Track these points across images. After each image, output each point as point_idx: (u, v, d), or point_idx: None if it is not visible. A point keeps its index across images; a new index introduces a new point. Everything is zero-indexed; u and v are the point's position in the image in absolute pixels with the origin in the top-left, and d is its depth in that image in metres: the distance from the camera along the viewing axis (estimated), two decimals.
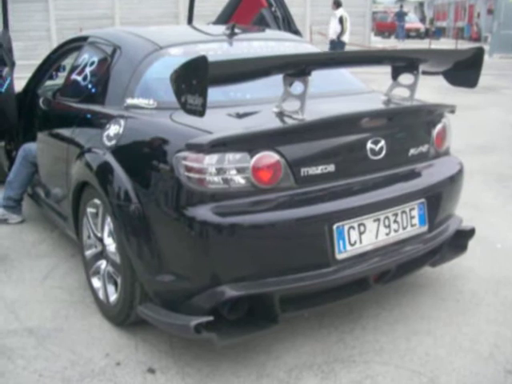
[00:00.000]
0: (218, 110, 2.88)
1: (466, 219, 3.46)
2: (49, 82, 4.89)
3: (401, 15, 32.69)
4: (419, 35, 34.39)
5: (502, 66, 17.66)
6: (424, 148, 3.16)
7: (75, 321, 3.20)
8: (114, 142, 3.02)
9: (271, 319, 2.66)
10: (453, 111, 3.32)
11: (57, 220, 4.03)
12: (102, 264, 3.20)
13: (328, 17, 20.62)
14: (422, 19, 43.34)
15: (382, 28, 37.49)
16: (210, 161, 2.53)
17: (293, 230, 2.63)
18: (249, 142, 2.59)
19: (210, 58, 2.34)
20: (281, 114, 2.83)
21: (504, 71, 16.39)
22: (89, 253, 3.34)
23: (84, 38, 4.08)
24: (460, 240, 3.39)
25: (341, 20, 13.81)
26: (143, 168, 2.81)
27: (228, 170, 2.55)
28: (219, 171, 2.54)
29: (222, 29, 3.91)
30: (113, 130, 3.07)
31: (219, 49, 3.54)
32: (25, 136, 4.85)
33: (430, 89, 8.44)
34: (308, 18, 20.65)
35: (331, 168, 2.75)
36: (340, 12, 14.04)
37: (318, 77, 2.81)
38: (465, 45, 21.64)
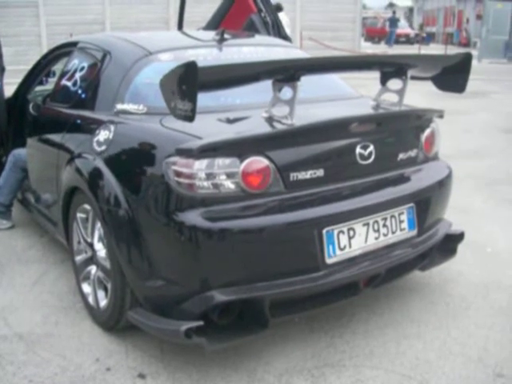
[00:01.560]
0: (208, 115, 2.89)
1: (456, 223, 3.47)
2: (39, 88, 4.88)
3: (393, 21, 32.89)
4: (409, 41, 34.58)
5: (491, 71, 17.76)
6: (413, 153, 3.18)
7: (65, 326, 3.19)
8: (104, 148, 3.02)
9: (261, 324, 2.66)
10: (441, 116, 3.34)
11: (47, 225, 4.02)
12: (92, 269, 3.20)
13: (319, 22, 20.81)
14: (410, 25, 43.60)
15: (372, 33, 37.67)
16: (200, 166, 2.54)
17: (282, 235, 2.63)
18: (238, 147, 2.59)
19: (200, 64, 2.35)
20: (270, 119, 2.84)
21: (493, 76, 16.49)
22: (79, 258, 3.34)
23: (74, 44, 4.08)
24: (449, 244, 3.40)
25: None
26: (133, 173, 2.81)
27: (218, 175, 2.56)
28: (209, 176, 2.55)
29: (211, 34, 3.92)
30: (103, 135, 3.07)
31: (209, 54, 3.55)
32: (15, 141, 4.83)
33: (419, 94, 8.48)
34: (298, 23, 20.71)
35: (320, 173, 2.76)
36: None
37: (307, 82, 2.82)
38: (454, 50, 21.75)
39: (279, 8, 13.98)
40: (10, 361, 2.88)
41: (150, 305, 2.77)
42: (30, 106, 4.30)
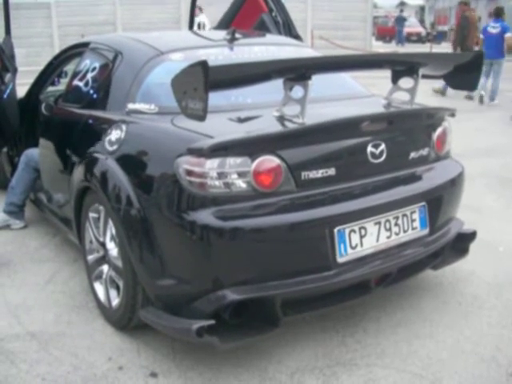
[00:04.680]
0: (219, 115, 2.89)
1: (468, 222, 3.46)
2: (51, 88, 4.91)
3: (400, 20, 32.86)
4: (420, 39, 34.44)
5: (504, 69, 17.62)
6: (424, 151, 3.17)
7: (78, 325, 3.21)
8: (115, 147, 3.03)
9: (273, 323, 2.66)
10: (453, 114, 3.33)
11: (59, 225, 4.04)
12: (105, 268, 3.21)
13: (330, 21, 20.78)
14: (421, 23, 43.35)
15: (383, 32, 37.50)
16: (211, 165, 2.54)
17: (294, 234, 2.63)
18: (250, 146, 2.60)
19: (211, 63, 2.36)
20: (281, 118, 2.84)
21: (506, 74, 16.32)
22: (91, 257, 3.35)
23: (86, 44, 4.11)
24: (461, 243, 3.39)
25: (198, 26, 13.89)
26: (145, 172, 2.82)
27: (229, 174, 2.56)
28: (220, 175, 2.55)
29: (222, 34, 3.93)
30: (114, 135, 3.08)
31: (220, 54, 3.55)
32: (27, 142, 4.87)
33: (431, 92, 8.46)
34: (309, 22, 20.69)
35: (332, 172, 2.75)
36: (199, 18, 14.12)
37: (318, 81, 2.82)
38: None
39: (200, 9, 14.33)
40: (22, 359, 2.90)
41: (162, 303, 2.79)
42: (43, 106, 4.33)
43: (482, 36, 11.54)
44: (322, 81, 3.03)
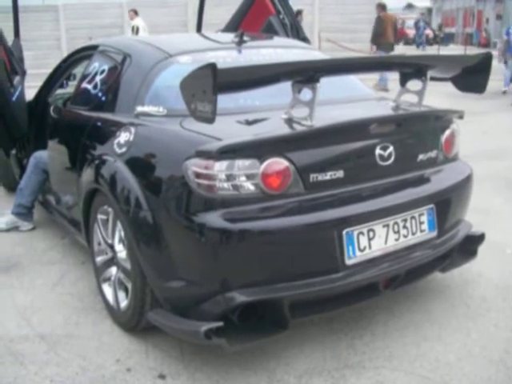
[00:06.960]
0: (228, 117, 2.90)
1: (476, 224, 3.45)
2: (59, 91, 4.92)
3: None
4: (428, 41, 34.47)
5: None
6: (433, 153, 3.16)
7: (86, 327, 3.22)
8: (124, 150, 3.04)
9: (281, 325, 2.66)
10: (461, 117, 3.32)
11: (67, 227, 4.05)
12: (113, 270, 3.22)
13: (337, 24, 20.78)
14: (428, 25, 43.44)
15: None
16: (220, 167, 2.55)
17: (302, 236, 2.64)
18: (258, 149, 2.60)
19: (219, 65, 2.36)
20: (290, 121, 2.84)
21: None
22: (99, 259, 3.36)
23: (94, 47, 4.12)
24: (470, 245, 3.38)
25: (132, 30, 14.00)
26: (153, 175, 2.83)
27: (238, 177, 2.56)
28: (229, 177, 2.56)
29: (230, 36, 3.93)
30: (123, 137, 3.09)
31: (228, 56, 3.56)
32: (36, 144, 4.89)
33: (440, 94, 8.43)
34: (316, 25, 20.68)
35: (340, 174, 2.75)
36: (134, 22, 14.25)
37: (326, 83, 2.82)
38: (474, 51, 21.48)
39: (136, 12, 14.52)
40: (31, 360, 2.91)
41: (170, 305, 2.79)
42: (51, 108, 4.34)
43: (505, 37, 13.58)
44: (331, 83, 3.03)
